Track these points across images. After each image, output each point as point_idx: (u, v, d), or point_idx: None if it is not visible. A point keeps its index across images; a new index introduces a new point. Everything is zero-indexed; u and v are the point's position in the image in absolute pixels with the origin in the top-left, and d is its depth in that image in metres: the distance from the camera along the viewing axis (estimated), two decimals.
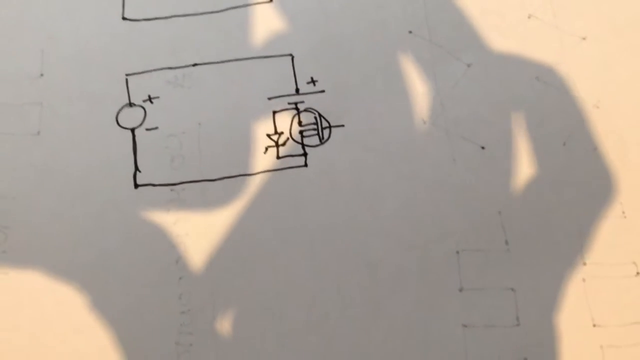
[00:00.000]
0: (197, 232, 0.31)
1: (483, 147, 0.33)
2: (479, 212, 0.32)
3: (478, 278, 0.31)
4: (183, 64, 0.34)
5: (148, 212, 0.32)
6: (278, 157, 0.32)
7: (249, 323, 0.30)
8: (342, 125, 0.33)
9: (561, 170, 0.32)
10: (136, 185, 0.32)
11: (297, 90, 0.34)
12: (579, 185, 0.32)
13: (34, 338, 0.30)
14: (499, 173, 0.32)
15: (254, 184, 0.32)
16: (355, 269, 0.31)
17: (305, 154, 0.32)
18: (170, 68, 0.34)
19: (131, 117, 0.33)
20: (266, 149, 0.33)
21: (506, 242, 0.31)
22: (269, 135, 0.33)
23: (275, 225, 0.31)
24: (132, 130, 0.33)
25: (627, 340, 0.30)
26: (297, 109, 0.33)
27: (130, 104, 0.33)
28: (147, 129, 0.33)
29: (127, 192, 0.32)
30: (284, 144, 0.33)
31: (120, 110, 0.33)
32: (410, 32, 0.35)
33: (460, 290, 0.31)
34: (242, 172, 0.32)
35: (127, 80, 0.34)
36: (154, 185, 0.32)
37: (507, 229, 0.31)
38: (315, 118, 0.33)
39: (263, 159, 0.32)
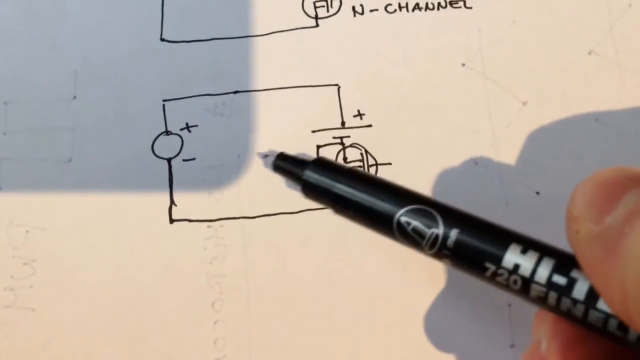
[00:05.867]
0: (234, 273, 0.30)
1: (538, 192, 0.31)
2: None
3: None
4: (223, 91, 0.32)
5: (183, 250, 0.30)
6: None
7: None
8: (390, 164, 0.31)
9: None
10: (171, 220, 0.30)
11: (342, 123, 0.32)
12: None
13: None
14: (553, 220, 0.30)
15: (296, 222, 0.30)
16: (400, 318, 0.29)
17: None
18: (209, 95, 0.32)
19: (168, 146, 0.31)
20: None
21: None
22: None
23: (317, 266, 0.30)
24: (169, 160, 0.31)
25: None
26: (342, 144, 0.32)
27: (167, 132, 0.32)
28: (184, 160, 0.31)
29: (162, 226, 0.30)
30: None
31: (156, 138, 0.32)
32: (463, 64, 0.33)
33: (512, 346, 0.29)
34: (283, 210, 0.30)
35: (164, 106, 0.32)
36: (190, 220, 0.30)
37: None
38: (362, 155, 0.31)
39: None
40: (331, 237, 0.30)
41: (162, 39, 0.33)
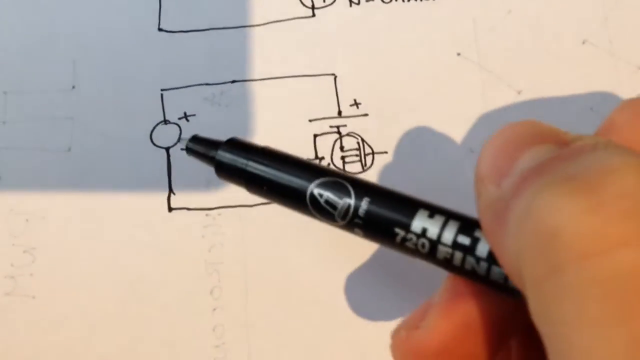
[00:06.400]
0: (232, 261, 0.30)
1: None
2: None
3: None
4: (221, 81, 0.33)
5: (182, 238, 0.30)
6: None
7: (286, 358, 0.29)
8: (386, 152, 0.32)
9: None
10: (170, 209, 0.31)
11: (339, 112, 0.32)
12: None
13: None
14: None
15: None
16: (398, 306, 0.30)
17: None
18: (207, 84, 0.32)
19: (166, 135, 0.32)
20: None
21: None
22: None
23: (315, 253, 0.30)
24: (167, 149, 0.31)
25: None
26: (339, 132, 0.32)
27: (165, 122, 0.32)
28: (182, 149, 0.31)
29: (161, 215, 0.31)
30: None
31: (154, 127, 0.32)
32: (458, 54, 0.33)
33: None
34: None
35: (162, 95, 0.32)
36: (188, 209, 0.31)
37: None
38: (358, 143, 0.32)
39: None
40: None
41: (160, 29, 0.33)
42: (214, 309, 0.29)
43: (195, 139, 0.23)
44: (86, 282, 0.30)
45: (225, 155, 0.22)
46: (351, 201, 0.20)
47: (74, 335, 0.29)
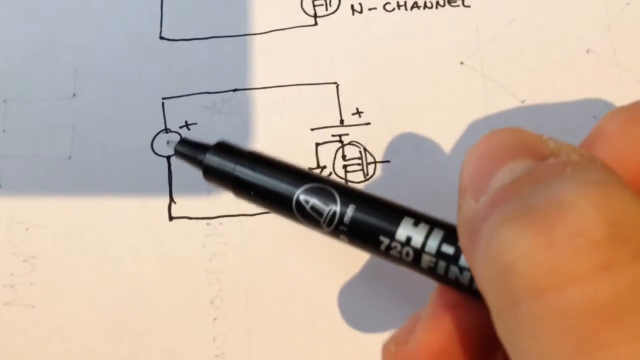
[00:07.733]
0: (233, 270, 0.30)
1: None
2: None
3: None
4: (222, 89, 0.32)
5: (183, 247, 0.30)
6: None
7: None
8: (388, 161, 0.31)
9: None
10: (171, 218, 0.31)
11: (341, 121, 0.32)
12: None
13: None
14: None
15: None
16: (397, 316, 0.29)
17: None
18: (208, 93, 0.32)
19: (167, 144, 0.32)
20: None
21: None
22: (311, 169, 0.31)
23: (316, 263, 0.30)
24: (168, 158, 0.31)
25: None
26: (341, 141, 0.32)
27: (167, 130, 0.32)
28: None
29: (162, 224, 0.30)
30: None
31: (155, 136, 0.32)
32: (461, 63, 0.33)
33: None
34: None
35: (163, 104, 0.32)
36: (189, 218, 0.31)
37: None
38: (360, 152, 0.31)
39: None
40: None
41: (162, 38, 0.33)
42: (215, 319, 0.29)
43: (183, 142, 0.23)
44: (86, 291, 0.30)
45: (212, 159, 0.22)
46: (337, 208, 0.20)
47: (73, 345, 0.29)
